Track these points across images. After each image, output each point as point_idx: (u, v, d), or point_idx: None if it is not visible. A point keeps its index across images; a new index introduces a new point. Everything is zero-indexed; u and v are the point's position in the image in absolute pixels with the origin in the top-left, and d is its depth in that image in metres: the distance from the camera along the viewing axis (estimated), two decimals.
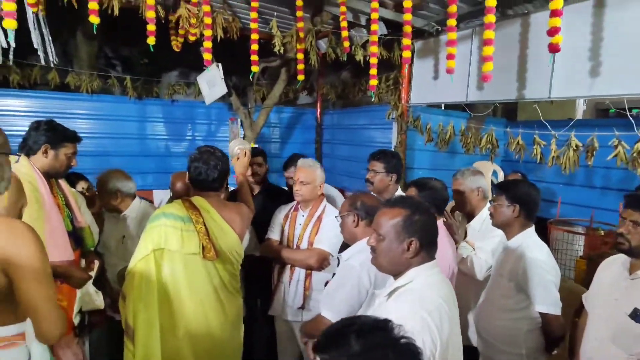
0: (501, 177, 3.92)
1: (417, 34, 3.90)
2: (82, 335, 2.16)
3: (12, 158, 2.00)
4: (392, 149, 4.18)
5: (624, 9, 2.37)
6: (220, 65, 4.00)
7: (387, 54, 3.94)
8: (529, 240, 2.06)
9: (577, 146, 2.60)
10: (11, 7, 2.42)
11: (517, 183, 2.19)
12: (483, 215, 2.54)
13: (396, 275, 1.41)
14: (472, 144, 3.46)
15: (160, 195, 4.77)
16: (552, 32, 2.19)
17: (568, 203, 3.93)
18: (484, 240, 2.43)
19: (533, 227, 2.12)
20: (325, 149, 5.91)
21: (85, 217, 2.33)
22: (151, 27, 3.02)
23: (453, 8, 2.67)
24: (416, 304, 1.26)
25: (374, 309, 1.46)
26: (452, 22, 2.70)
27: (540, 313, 1.98)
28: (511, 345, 2.05)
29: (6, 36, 2.56)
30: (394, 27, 3.85)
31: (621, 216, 1.69)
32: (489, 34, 2.44)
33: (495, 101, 3.19)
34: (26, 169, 1.97)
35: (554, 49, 2.21)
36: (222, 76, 4.13)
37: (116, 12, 3.02)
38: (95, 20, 2.77)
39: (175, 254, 1.88)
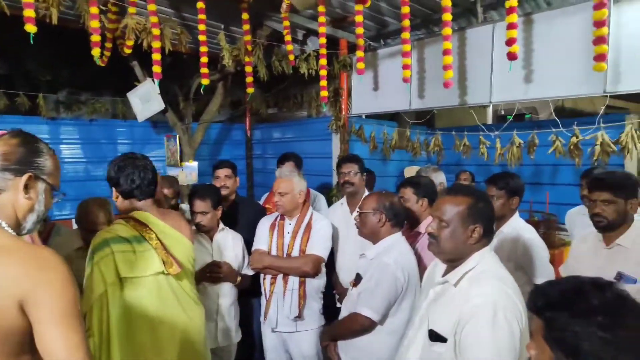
0: (442, 178, 4.28)
1: (351, 49, 4.13)
2: None
3: None
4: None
5: (549, 24, 2.82)
6: (155, 80, 3.80)
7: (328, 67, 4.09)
8: (520, 223, 2.32)
9: (519, 144, 3.00)
10: None
11: (509, 176, 2.32)
12: None
13: (454, 261, 1.47)
14: (418, 148, 3.75)
15: None
16: (510, 42, 2.52)
17: None
18: None
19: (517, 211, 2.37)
20: (256, 164, 5.86)
21: None
22: (96, 38, 2.80)
23: (406, 22, 2.92)
24: (498, 282, 1.35)
25: (439, 298, 1.49)
26: (406, 35, 2.96)
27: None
28: None
29: None
30: (330, 43, 4.04)
31: (589, 199, 1.94)
32: (447, 44, 2.72)
33: (438, 107, 3.52)
34: None
35: (512, 56, 2.54)
36: (158, 91, 3.93)
37: (54, 21, 2.73)
38: (32, 29, 2.49)
39: (134, 280, 1.69)
